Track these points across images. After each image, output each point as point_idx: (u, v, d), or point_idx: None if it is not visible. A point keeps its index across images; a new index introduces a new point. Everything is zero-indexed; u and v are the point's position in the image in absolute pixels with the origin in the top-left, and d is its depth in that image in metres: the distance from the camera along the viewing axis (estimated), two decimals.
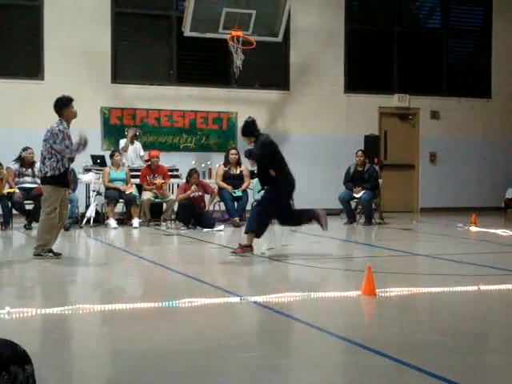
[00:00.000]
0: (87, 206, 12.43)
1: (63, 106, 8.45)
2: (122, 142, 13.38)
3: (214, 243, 10.25)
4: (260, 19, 13.88)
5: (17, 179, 11.86)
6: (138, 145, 13.48)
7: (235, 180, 12.98)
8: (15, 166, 11.92)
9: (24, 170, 11.94)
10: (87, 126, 13.90)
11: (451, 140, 16.70)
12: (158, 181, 12.48)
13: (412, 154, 16.67)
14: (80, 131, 8.36)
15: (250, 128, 8.63)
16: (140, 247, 10.09)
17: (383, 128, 16.31)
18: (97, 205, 12.25)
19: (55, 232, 8.35)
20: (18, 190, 11.61)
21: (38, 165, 12.06)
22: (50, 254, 8.19)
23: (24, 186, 11.81)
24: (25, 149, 11.96)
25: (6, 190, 11.66)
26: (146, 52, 14.98)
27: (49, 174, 8.19)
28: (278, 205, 8.56)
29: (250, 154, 8.63)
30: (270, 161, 8.50)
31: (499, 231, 11.48)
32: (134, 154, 13.40)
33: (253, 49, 13.79)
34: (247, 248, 8.55)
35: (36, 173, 12.03)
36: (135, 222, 12.09)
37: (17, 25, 14.20)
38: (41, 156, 8.44)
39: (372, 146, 15.04)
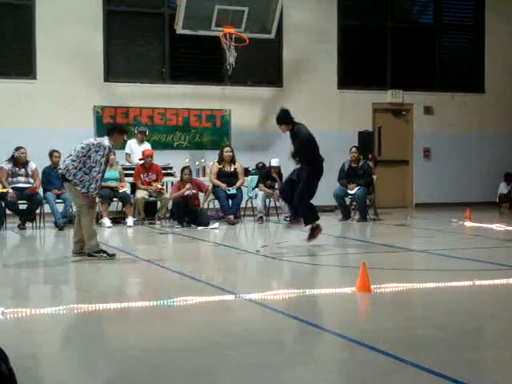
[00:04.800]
0: None
1: (118, 132, 8.51)
2: (132, 143, 13.33)
3: (208, 241, 10.23)
4: (252, 16, 13.86)
5: (10, 179, 11.81)
6: (147, 145, 13.37)
7: (229, 178, 12.96)
8: (8, 166, 11.87)
9: (17, 169, 11.89)
10: (80, 124, 13.93)
11: (445, 135, 16.71)
12: (156, 185, 12.45)
13: (406, 150, 16.67)
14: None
15: (288, 116, 9.25)
16: (135, 246, 10.07)
17: (377, 124, 16.31)
18: None
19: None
20: (11, 190, 11.57)
21: (31, 164, 12.05)
22: (105, 255, 8.15)
23: (17, 185, 11.76)
24: (17, 148, 11.91)
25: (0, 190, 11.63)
26: (138, 50, 14.93)
27: (75, 184, 8.08)
28: (314, 189, 9.14)
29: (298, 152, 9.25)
30: (301, 147, 9.15)
31: (494, 226, 11.50)
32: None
33: (246, 46, 13.76)
34: (316, 230, 9.01)
35: (29, 172, 11.99)
36: (129, 220, 12.07)
37: (8, 24, 14.13)
38: (70, 161, 8.17)
39: (366, 142, 15.02)
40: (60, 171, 8.35)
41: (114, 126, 8.83)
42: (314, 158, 9.19)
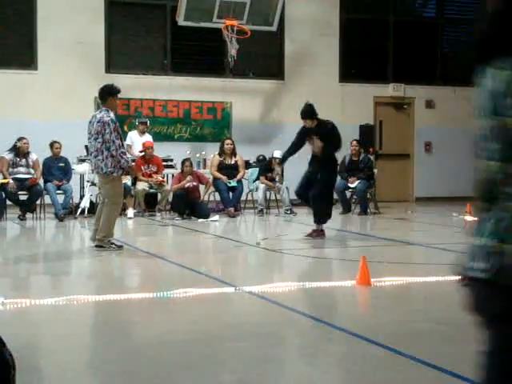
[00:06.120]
0: (81, 197, 12.39)
1: (110, 95, 8.25)
2: (133, 134, 13.32)
3: (208, 233, 10.24)
4: (254, 8, 13.82)
5: (11, 169, 11.80)
6: (148, 137, 13.33)
7: (230, 170, 12.95)
8: (10, 156, 11.86)
9: (18, 160, 11.88)
10: (81, 116, 13.90)
11: (446, 129, 16.69)
12: (156, 177, 12.43)
13: (407, 144, 16.66)
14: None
15: (314, 111, 9.28)
16: (135, 238, 10.07)
17: (378, 117, 16.29)
18: (91, 195, 12.20)
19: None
20: (11, 181, 11.57)
21: (32, 155, 12.03)
22: (113, 246, 8.16)
23: (18, 176, 11.75)
24: (20, 139, 11.91)
25: (0, 181, 11.63)
26: (139, 42, 14.90)
27: (109, 171, 8.10)
28: (333, 184, 9.51)
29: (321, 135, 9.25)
30: (336, 144, 9.29)
31: None
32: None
33: (247, 38, 13.73)
34: (321, 232, 9.13)
35: (30, 163, 11.98)
36: (130, 212, 12.06)
37: (10, 15, 14.11)
38: (93, 151, 8.22)
39: (367, 135, 15.02)
40: (95, 171, 8.44)
41: (104, 90, 8.24)
42: (334, 153, 9.36)
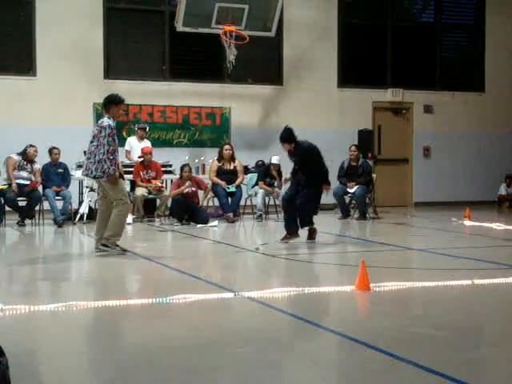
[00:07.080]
0: (80, 203, 12.39)
1: (114, 103, 8.41)
2: (132, 140, 13.31)
3: (207, 239, 10.23)
4: (253, 14, 13.85)
5: (15, 172, 11.79)
6: (147, 143, 13.32)
7: (229, 175, 12.96)
8: (17, 158, 11.87)
9: (24, 163, 11.90)
10: (80, 122, 13.92)
11: (445, 134, 16.71)
12: (155, 182, 12.42)
13: (406, 149, 16.67)
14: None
15: (292, 135, 9.23)
16: (134, 243, 10.05)
17: (377, 122, 16.30)
18: (90, 201, 12.21)
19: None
20: (14, 184, 11.58)
21: (36, 164, 12.04)
22: (118, 248, 8.18)
23: (19, 181, 11.73)
24: (31, 145, 11.93)
25: None
26: (138, 47, 14.92)
27: (98, 175, 8.17)
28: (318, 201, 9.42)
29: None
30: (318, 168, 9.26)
31: (493, 225, 11.50)
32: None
33: (246, 44, 13.76)
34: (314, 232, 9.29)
35: (34, 169, 11.97)
36: (129, 218, 12.01)
37: (9, 21, 14.13)
38: (88, 153, 8.33)
39: (366, 140, 15.01)
40: (83, 173, 8.48)
41: (109, 98, 8.47)
42: (317, 169, 9.26)
